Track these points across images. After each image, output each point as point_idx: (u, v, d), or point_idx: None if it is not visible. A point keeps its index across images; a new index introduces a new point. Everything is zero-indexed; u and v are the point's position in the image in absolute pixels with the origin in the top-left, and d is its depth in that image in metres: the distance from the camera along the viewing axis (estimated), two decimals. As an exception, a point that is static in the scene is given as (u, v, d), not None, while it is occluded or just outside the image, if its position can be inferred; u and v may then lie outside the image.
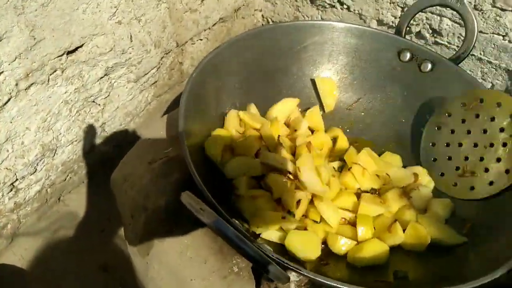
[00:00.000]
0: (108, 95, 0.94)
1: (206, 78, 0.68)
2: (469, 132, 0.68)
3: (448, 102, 0.74)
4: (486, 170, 0.63)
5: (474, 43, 0.77)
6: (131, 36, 0.89)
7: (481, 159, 0.64)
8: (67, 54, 0.78)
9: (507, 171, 0.60)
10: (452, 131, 0.71)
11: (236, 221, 0.51)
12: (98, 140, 0.99)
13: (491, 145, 0.63)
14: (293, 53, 0.83)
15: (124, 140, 1.08)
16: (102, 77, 0.89)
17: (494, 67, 1.08)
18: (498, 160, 0.62)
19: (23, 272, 0.88)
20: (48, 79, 0.77)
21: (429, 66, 0.80)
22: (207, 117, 0.70)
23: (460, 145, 0.69)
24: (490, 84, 1.12)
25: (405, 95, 0.83)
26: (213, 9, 1.15)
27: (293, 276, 0.60)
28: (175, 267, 0.64)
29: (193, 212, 0.39)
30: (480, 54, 1.08)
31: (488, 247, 0.57)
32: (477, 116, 0.67)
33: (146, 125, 1.12)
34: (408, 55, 0.82)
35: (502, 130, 0.63)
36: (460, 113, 0.71)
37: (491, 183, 0.62)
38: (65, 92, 0.82)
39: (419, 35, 1.16)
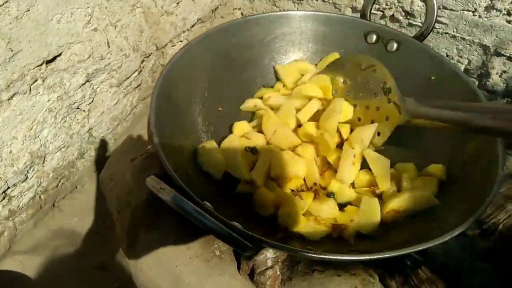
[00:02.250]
0: (92, 101, 0.97)
1: (177, 75, 0.71)
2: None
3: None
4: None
5: (435, 19, 0.79)
6: (108, 42, 0.92)
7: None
8: (46, 63, 0.81)
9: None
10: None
11: (208, 204, 0.53)
12: (87, 146, 1.02)
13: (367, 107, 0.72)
14: (263, 44, 0.86)
15: (113, 145, 1.11)
16: (83, 84, 0.92)
17: (468, 43, 1.10)
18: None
19: (24, 277, 0.91)
20: (30, 89, 0.80)
21: (395, 45, 0.83)
22: (179, 112, 0.73)
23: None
24: (467, 61, 1.14)
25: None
26: (190, 11, 1.18)
27: (270, 252, 0.63)
28: (161, 256, 0.67)
29: (155, 193, 0.42)
30: (454, 31, 1.10)
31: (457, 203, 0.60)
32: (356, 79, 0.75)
33: (133, 128, 1.16)
34: (374, 37, 0.84)
35: (375, 94, 0.71)
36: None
37: (378, 134, 0.70)
38: (48, 100, 0.85)
39: (393, 18, 1.18)
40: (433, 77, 0.77)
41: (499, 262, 0.73)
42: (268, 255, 0.62)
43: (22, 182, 0.87)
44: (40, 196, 0.95)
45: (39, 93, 0.82)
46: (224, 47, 0.81)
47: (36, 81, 0.81)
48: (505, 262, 0.72)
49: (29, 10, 0.74)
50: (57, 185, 0.99)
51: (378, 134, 0.69)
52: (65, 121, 0.92)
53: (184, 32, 1.20)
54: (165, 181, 0.49)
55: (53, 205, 1.02)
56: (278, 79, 0.88)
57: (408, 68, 0.81)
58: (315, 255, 0.46)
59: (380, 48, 0.84)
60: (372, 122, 0.70)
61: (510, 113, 0.50)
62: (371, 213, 0.65)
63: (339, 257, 0.47)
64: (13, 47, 0.73)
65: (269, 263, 0.62)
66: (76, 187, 1.07)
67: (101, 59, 0.92)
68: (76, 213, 1.04)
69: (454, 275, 0.72)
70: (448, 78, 0.75)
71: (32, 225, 0.96)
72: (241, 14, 1.48)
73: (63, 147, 0.94)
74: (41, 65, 0.80)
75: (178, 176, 0.54)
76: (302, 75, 0.86)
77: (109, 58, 0.94)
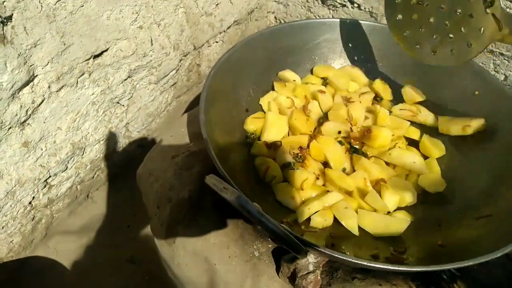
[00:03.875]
0: (131, 96, 0.99)
1: (223, 75, 0.72)
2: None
3: None
4: (461, 35, 0.61)
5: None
6: (151, 40, 0.94)
7: (450, 25, 0.60)
8: (94, 58, 0.84)
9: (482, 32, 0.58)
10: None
11: (256, 205, 0.54)
12: (122, 140, 1.05)
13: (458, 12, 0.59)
14: (306, 50, 0.87)
15: (146, 140, 1.13)
16: (125, 79, 0.94)
17: (507, 58, 1.09)
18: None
19: (56, 264, 0.93)
20: (77, 82, 0.82)
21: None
22: (224, 111, 0.74)
23: (424, 15, 0.63)
24: (503, 76, 1.13)
25: (417, 86, 0.86)
26: (228, 13, 1.20)
27: (311, 257, 0.63)
28: (199, 253, 0.68)
29: (217, 191, 0.43)
30: (492, 46, 1.09)
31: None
32: None
33: (166, 125, 1.18)
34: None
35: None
36: None
37: (469, 45, 0.62)
38: (92, 94, 0.87)
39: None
40: (477, 92, 0.77)
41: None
42: (310, 259, 0.63)
43: (62, 172, 0.89)
44: (76, 187, 0.97)
45: (84, 86, 0.85)
46: (267, 51, 0.82)
47: (83, 74, 0.83)
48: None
49: (83, 6, 0.76)
50: (93, 177, 1.01)
51: (470, 45, 0.60)
52: (105, 115, 0.94)
53: (220, 33, 1.21)
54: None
55: (87, 195, 1.04)
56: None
57: (451, 82, 0.81)
58: (370, 264, 0.47)
59: (423, 59, 0.85)
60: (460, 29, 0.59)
61: None
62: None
63: (391, 267, 0.48)
64: (65, 41, 0.76)
65: (311, 267, 0.63)
66: (110, 180, 1.09)
67: (144, 56, 0.94)
68: (108, 205, 1.06)
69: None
70: (492, 93, 0.75)
71: (67, 214, 0.99)
72: (275, 18, 1.49)
73: (102, 140, 0.96)
74: (89, 59, 0.82)
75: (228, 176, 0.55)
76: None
77: (151, 56, 0.96)
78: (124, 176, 1.10)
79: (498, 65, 1.12)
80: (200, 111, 0.64)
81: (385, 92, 0.85)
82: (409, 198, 0.69)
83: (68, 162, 0.90)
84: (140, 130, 1.09)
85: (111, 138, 1.00)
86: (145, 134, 1.12)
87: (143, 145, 1.12)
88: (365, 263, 0.47)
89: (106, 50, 0.86)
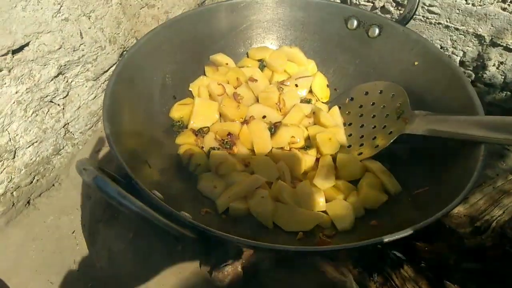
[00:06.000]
0: (67, 95, 0.94)
1: (140, 61, 0.67)
2: (361, 115, 0.79)
3: (353, 89, 0.81)
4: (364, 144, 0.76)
5: (418, 2, 0.74)
6: (81, 33, 0.89)
7: (362, 136, 0.76)
8: (12, 53, 0.78)
9: (376, 146, 0.73)
10: (348, 113, 0.81)
11: (157, 193, 0.49)
12: (62, 142, 0.99)
13: (374, 126, 0.75)
14: (238, 32, 0.82)
15: (92, 142, 1.07)
16: (56, 76, 0.89)
17: (462, 33, 1.05)
18: (374, 138, 0.74)
19: (-8, 277, 0.87)
20: (-5, 80, 0.77)
21: (377, 30, 0.78)
22: (141, 99, 0.69)
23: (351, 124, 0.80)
24: (462, 52, 1.09)
25: (357, 63, 0.81)
26: (173, 4, 1.15)
27: (232, 249, 0.58)
28: (119, 253, 0.63)
29: (79, 174, 0.38)
30: (447, 21, 1.05)
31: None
32: (373, 103, 0.78)
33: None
34: (355, 22, 0.80)
35: (386, 116, 0.74)
36: (360, 99, 0.80)
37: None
38: (16, 92, 0.82)
39: (383, 9, 1.14)
40: (416, 62, 0.73)
41: (489, 262, 0.67)
42: (230, 251, 0.57)
43: (-10, 178, 0.84)
44: (12, 193, 0.91)
45: (5, 84, 0.79)
46: (195, 34, 0.77)
47: (1, 71, 0.78)
48: (495, 262, 0.66)
49: (-11, -4, 0.71)
50: (31, 182, 0.96)
51: (376, 146, 0.73)
52: (37, 115, 0.89)
53: (167, 26, 1.16)
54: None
55: (28, 202, 0.99)
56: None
57: (391, 54, 0.76)
58: (271, 246, 0.42)
59: (362, 34, 0.80)
60: (374, 138, 0.74)
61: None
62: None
63: (290, 248, 0.42)
64: (-28, 34, 0.70)
65: (229, 259, 0.57)
66: (53, 185, 1.04)
67: (74, 51, 0.89)
68: (51, 212, 1.00)
69: (440, 275, 0.67)
70: (431, 62, 0.70)
71: (3, 223, 0.93)
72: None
73: (36, 142, 0.91)
74: (6, 54, 0.77)
75: (128, 164, 0.50)
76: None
77: (83, 50, 0.91)
78: (68, 180, 1.04)
79: (455, 41, 1.08)
80: (105, 95, 0.59)
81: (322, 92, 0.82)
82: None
83: (-5, 167, 0.84)
84: (83, 131, 1.04)
85: (47, 140, 0.94)
86: (90, 134, 1.07)
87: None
88: (265, 246, 0.41)
89: (26, 45, 0.80)
